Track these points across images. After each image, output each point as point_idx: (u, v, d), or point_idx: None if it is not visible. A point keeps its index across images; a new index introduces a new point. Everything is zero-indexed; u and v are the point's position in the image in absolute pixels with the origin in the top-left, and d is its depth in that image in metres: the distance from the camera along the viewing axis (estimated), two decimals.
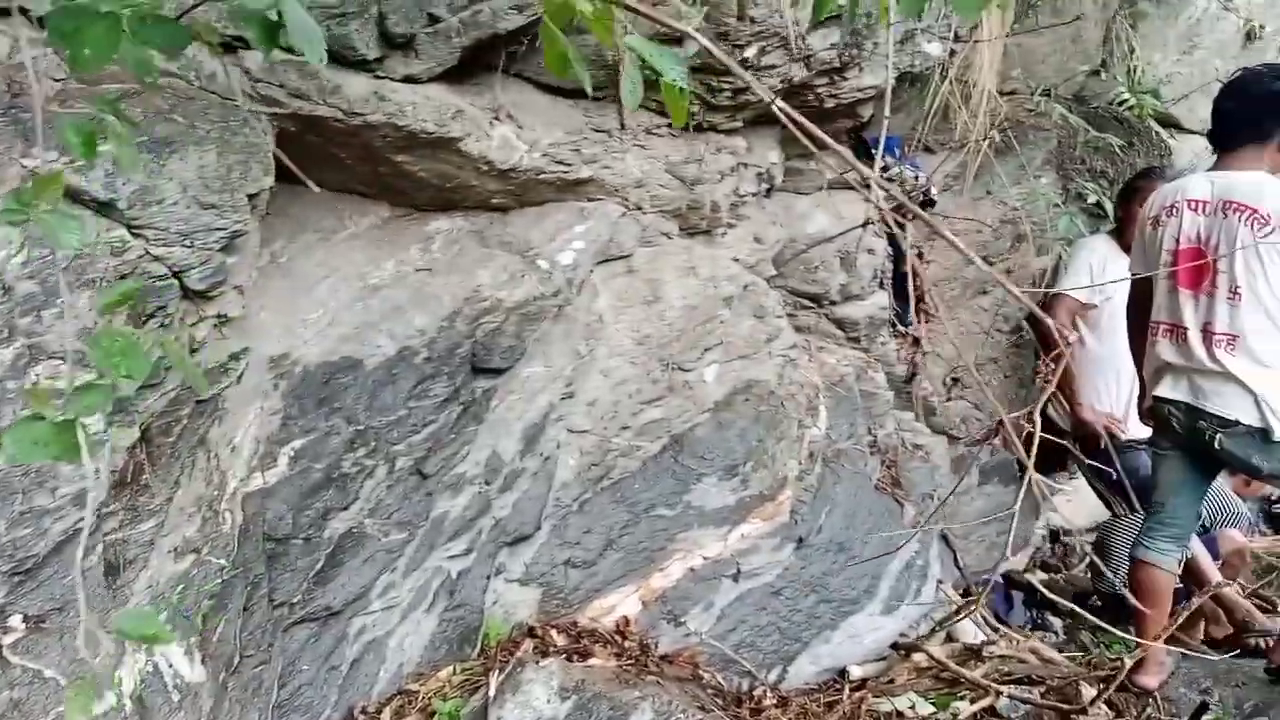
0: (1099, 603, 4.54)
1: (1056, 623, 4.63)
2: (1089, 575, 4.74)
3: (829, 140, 1.15)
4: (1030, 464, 1.22)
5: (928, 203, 3.83)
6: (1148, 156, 4.39)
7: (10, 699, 1.69)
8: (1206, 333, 3.04)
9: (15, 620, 1.76)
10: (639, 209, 3.05)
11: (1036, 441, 1.35)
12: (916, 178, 3.76)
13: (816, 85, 3.24)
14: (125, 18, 1.02)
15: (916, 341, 3.58)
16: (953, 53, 3.44)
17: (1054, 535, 5.29)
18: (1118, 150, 4.21)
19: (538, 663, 2.31)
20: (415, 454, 2.42)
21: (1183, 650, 3.88)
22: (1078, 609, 2.11)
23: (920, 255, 3.65)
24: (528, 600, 2.67)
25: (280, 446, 2.27)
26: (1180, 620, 3.05)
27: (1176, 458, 3.25)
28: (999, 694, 2.91)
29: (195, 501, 2.11)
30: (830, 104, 3.32)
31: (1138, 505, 3.64)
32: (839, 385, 3.51)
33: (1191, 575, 3.80)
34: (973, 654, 3.38)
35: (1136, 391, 3.52)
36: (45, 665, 1.75)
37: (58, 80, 1.88)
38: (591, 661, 2.48)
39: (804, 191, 3.69)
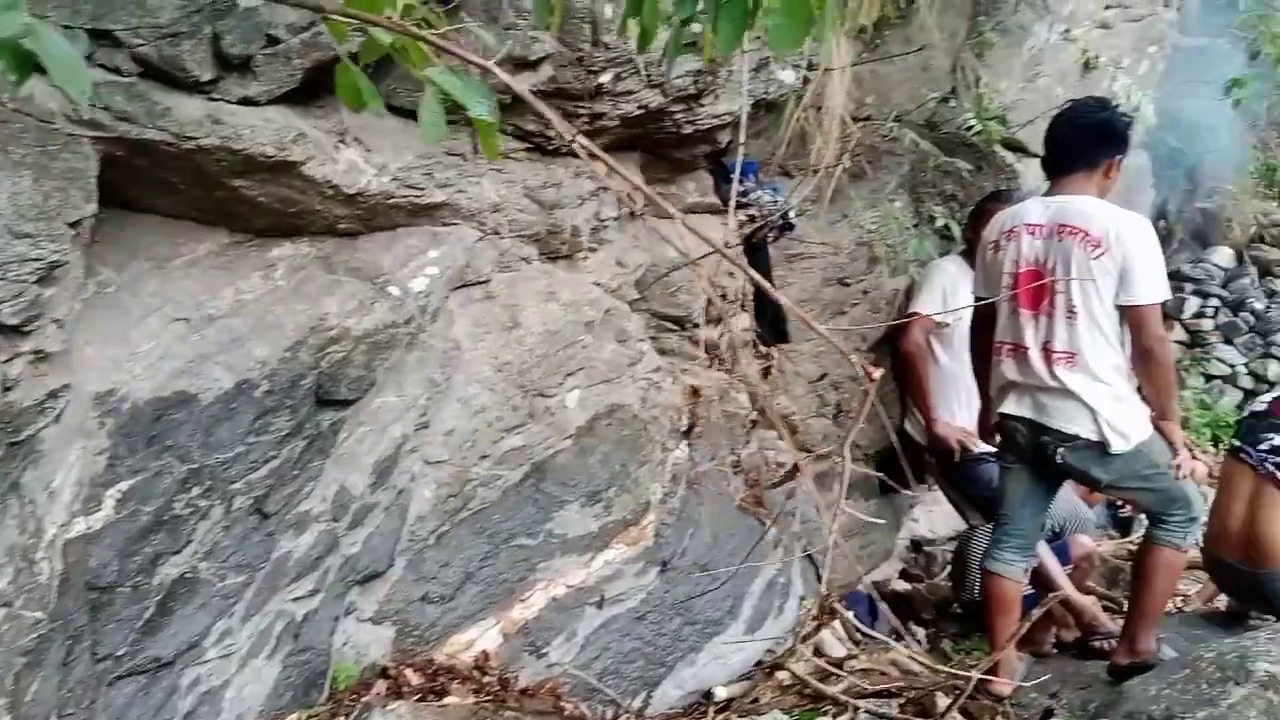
0: (960, 610, 4.71)
1: (920, 632, 4.77)
2: (950, 584, 4.90)
3: (631, 177, 1.14)
4: (842, 494, 1.24)
5: (786, 226, 3.91)
6: (995, 180, 4.59)
7: None
8: (1047, 351, 3.19)
9: None
10: (496, 233, 3.01)
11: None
12: (775, 201, 3.83)
13: (674, 111, 3.26)
14: None
15: (766, 372, 3.65)
16: (806, 80, 3.52)
17: (916, 545, 5.46)
18: (966, 174, 4.39)
19: (385, 707, 2.24)
20: (255, 492, 2.31)
21: (1032, 654, 4.06)
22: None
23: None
24: (381, 639, 2.58)
25: (105, 489, 2.13)
26: (1024, 629, 3.17)
27: (1021, 472, 3.39)
28: (857, 709, 2.96)
29: (7, 552, 1.96)
30: (688, 130, 3.35)
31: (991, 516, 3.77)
32: (702, 407, 3.54)
33: (1042, 582, 3.97)
34: (836, 668, 3.45)
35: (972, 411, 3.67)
36: None
37: None
38: (447, 700, 2.42)
39: (666, 215, 3.70)
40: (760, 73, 3.38)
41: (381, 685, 2.43)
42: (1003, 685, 3.47)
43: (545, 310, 3.10)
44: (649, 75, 3.04)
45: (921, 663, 3.19)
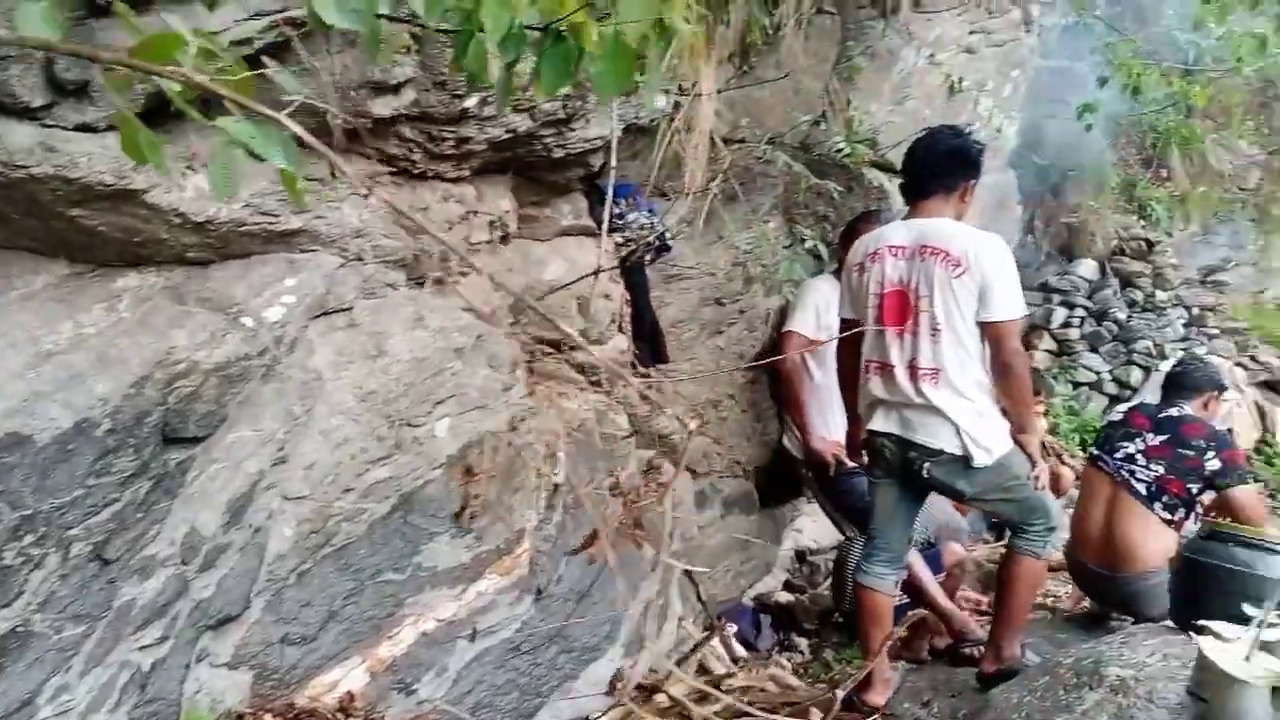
0: (841, 619, 4.80)
1: (803, 642, 4.85)
2: (831, 594, 4.99)
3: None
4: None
5: (663, 248, 3.94)
6: (866, 200, 4.72)
7: None
8: (912, 368, 3.28)
9: None
10: (360, 259, 2.94)
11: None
12: (652, 223, 3.86)
13: (544, 136, 3.24)
14: None
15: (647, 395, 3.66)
16: (677, 104, 3.55)
17: (800, 556, 5.56)
18: (837, 195, 4.50)
19: None
20: (95, 538, 2.19)
21: (909, 662, 4.17)
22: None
23: None
24: (238, 685, 2.48)
25: None
26: (892, 639, 3.25)
27: (889, 486, 3.48)
28: None
29: None
30: (559, 154, 3.34)
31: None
32: (579, 430, 3.52)
33: (914, 591, 4.08)
34: (715, 687, 3.47)
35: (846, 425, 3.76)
36: None
37: None
38: None
39: (540, 238, 3.69)
40: (630, 98, 3.39)
41: None
42: (878, 695, 3.55)
43: (413, 337, 3.03)
44: (516, 100, 3.02)
45: (789, 683, 3.23)
